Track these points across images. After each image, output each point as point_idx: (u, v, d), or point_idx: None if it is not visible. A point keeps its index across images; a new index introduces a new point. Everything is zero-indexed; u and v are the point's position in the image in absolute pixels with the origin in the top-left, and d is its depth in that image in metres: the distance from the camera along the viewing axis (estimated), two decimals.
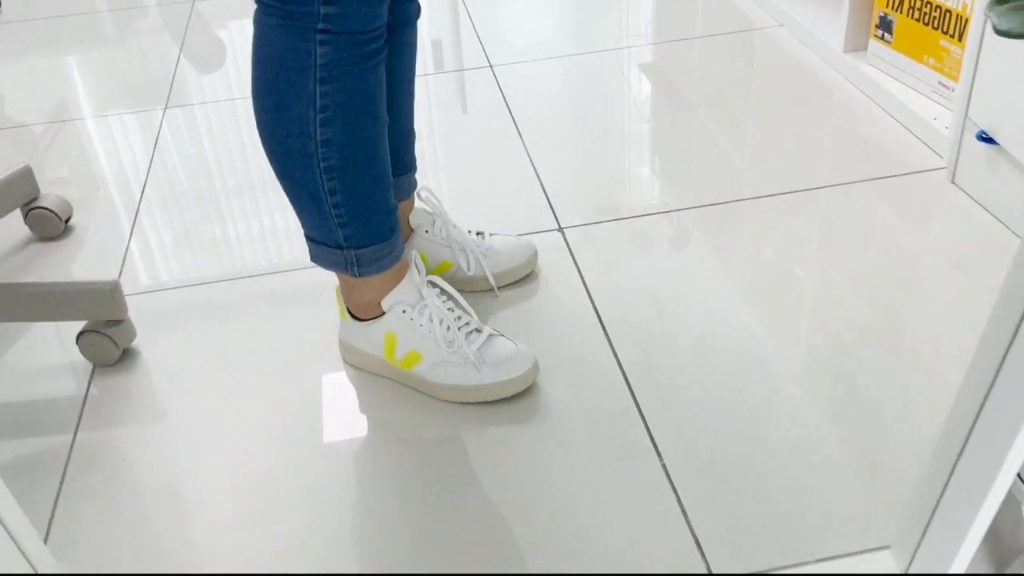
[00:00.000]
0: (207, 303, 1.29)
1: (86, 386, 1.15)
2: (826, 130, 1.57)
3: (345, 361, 1.16)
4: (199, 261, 1.38)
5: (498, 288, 1.25)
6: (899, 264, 1.25)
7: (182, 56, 2.01)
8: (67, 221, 1.47)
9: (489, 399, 1.07)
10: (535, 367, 1.08)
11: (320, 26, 0.87)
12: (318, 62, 0.89)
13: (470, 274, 1.23)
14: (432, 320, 1.07)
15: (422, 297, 1.07)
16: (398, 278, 1.07)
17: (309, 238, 1.04)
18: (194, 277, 1.34)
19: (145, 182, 1.57)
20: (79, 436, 1.08)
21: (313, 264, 1.07)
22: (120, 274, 1.36)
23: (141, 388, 1.15)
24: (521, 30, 2.01)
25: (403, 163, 1.17)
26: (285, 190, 1.00)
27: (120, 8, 2.30)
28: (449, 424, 1.06)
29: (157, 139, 1.70)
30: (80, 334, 1.16)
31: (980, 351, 0.68)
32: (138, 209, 1.51)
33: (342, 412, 1.09)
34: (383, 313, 1.08)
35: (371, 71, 0.92)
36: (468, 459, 1.02)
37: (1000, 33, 0.72)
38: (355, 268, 1.03)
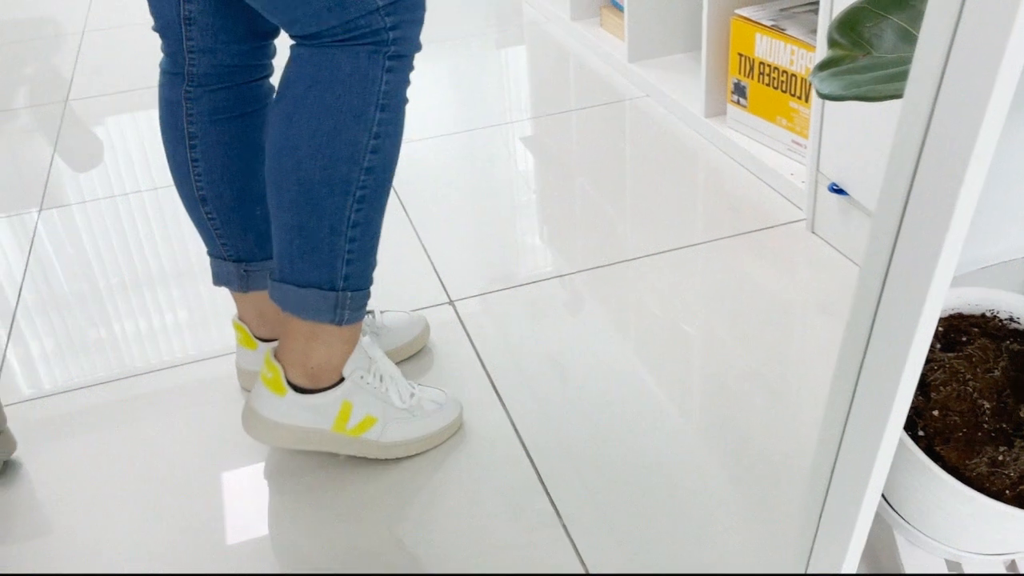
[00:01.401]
0: (94, 407, 1.25)
1: None
2: (696, 190, 1.67)
3: (263, 442, 1.05)
4: (83, 364, 1.34)
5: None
6: (772, 311, 1.33)
7: (57, 156, 1.97)
8: None
9: (434, 445, 1.12)
10: (460, 404, 1.16)
11: (391, 50, 0.88)
12: (382, 88, 0.89)
13: None
14: (384, 380, 1.07)
15: (371, 359, 1.06)
16: (356, 339, 1.04)
17: (292, 283, 0.97)
18: (79, 381, 1.30)
19: (21, 287, 1.52)
20: None
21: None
22: None
23: (24, 503, 1.09)
24: None
25: None
26: (294, 226, 0.94)
27: None
28: (353, 509, 1.05)
29: (32, 242, 1.65)
30: None
31: (833, 385, 0.73)
32: (14, 315, 1.45)
33: (245, 509, 1.07)
34: (340, 380, 1.04)
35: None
36: (375, 541, 1.01)
37: (823, 96, 0.80)
38: (343, 313, 0.98)
